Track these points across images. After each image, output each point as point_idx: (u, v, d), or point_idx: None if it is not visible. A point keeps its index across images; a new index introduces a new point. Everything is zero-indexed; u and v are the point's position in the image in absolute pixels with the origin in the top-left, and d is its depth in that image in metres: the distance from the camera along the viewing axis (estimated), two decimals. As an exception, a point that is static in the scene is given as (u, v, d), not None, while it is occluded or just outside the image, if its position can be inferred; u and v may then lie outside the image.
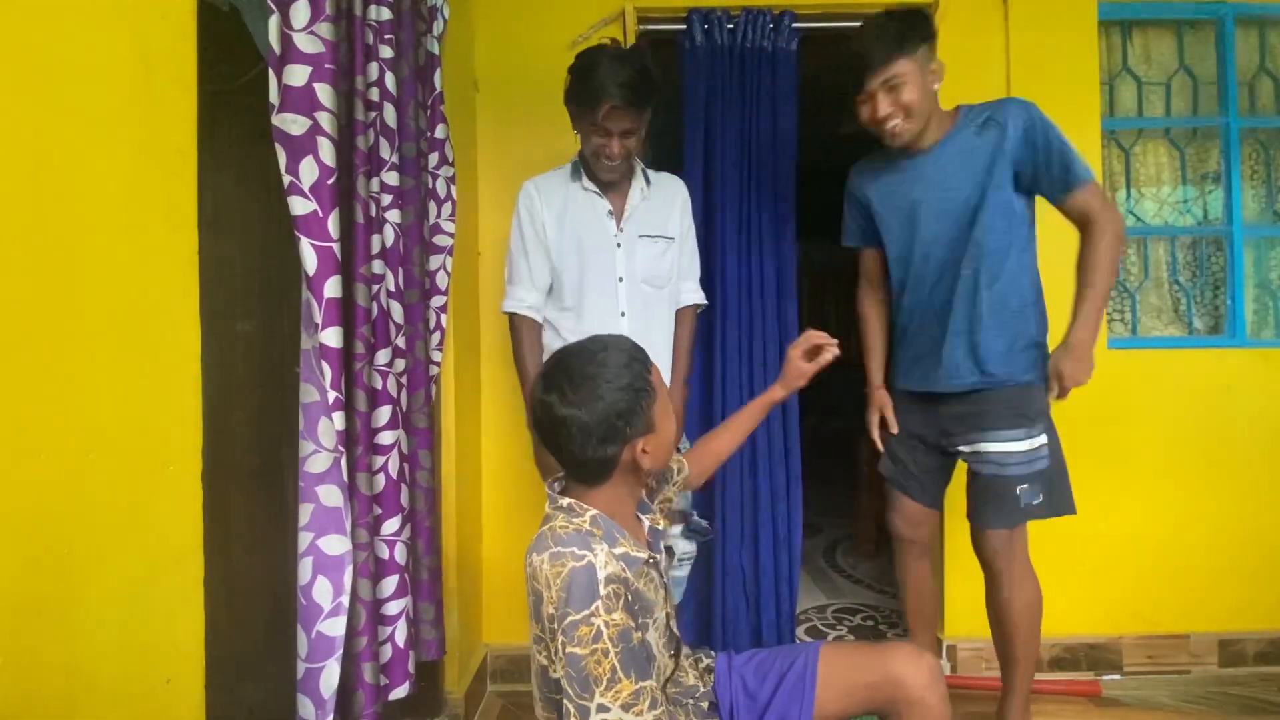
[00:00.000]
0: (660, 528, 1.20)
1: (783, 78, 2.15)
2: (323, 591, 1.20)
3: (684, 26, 2.17)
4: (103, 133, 0.81)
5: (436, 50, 1.77)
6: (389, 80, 1.46)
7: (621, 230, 1.68)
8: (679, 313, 1.78)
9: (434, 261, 1.79)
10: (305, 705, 1.19)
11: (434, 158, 1.79)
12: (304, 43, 1.13)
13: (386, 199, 1.47)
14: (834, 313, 5.92)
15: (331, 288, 1.17)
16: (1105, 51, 2.30)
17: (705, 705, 1.16)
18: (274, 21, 1.10)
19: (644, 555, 1.06)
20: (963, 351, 1.60)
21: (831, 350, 1.35)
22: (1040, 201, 1.66)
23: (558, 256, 1.68)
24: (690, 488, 1.40)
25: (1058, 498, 1.61)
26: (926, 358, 1.66)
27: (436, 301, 1.78)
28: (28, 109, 0.72)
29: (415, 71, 1.63)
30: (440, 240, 1.82)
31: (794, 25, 2.14)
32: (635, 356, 1.06)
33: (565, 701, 0.96)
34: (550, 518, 1.06)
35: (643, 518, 1.14)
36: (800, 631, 2.49)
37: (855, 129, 1.68)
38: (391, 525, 1.43)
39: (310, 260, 1.15)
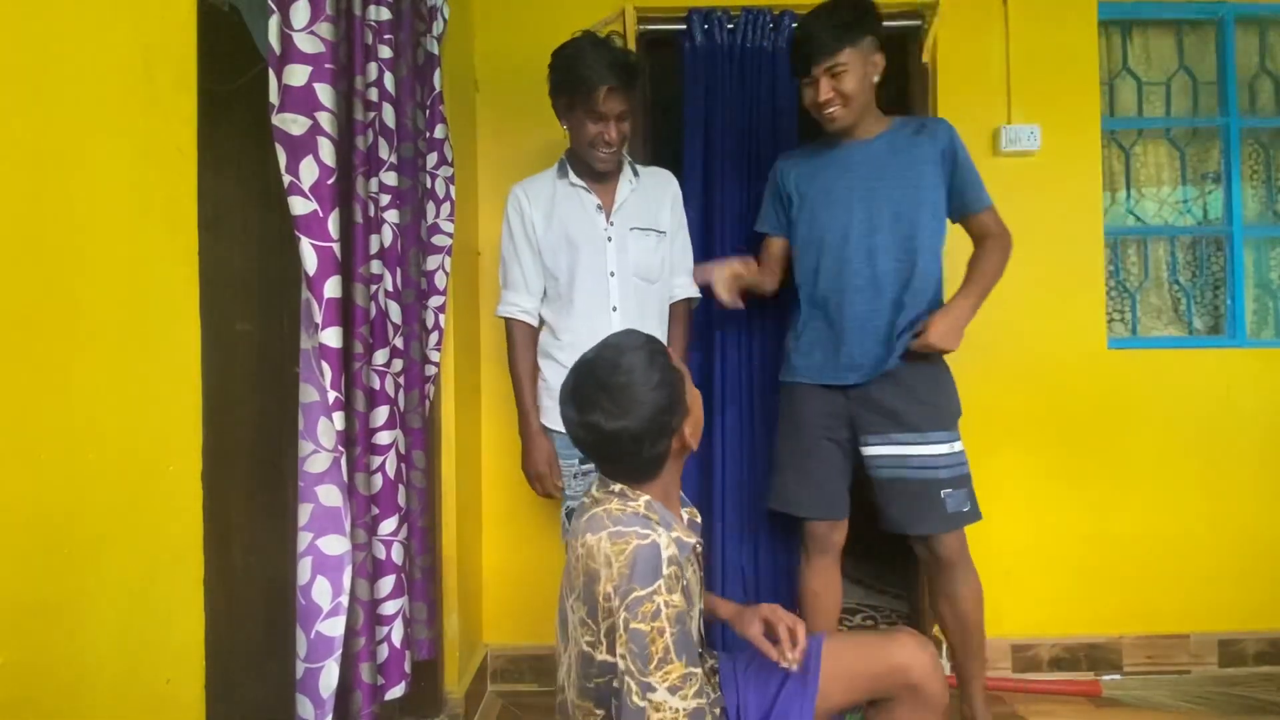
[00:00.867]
0: (699, 521, 1.23)
1: (783, 78, 2.15)
2: (322, 591, 1.20)
3: (684, 26, 2.17)
4: (103, 133, 0.81)
5: (436, 50, 1.77)
6: (388, 80, 1.46)
7: (611, 224, 1.67)
8: (673, 307, 1.78)
9: (432, 262, 1.79)
10: (304, 705, 1.19)
11: (433, 158, 1.79)
12: (304, 43, 1.13)
13: (385, 199, 1.47)
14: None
15: (331, 288, 1.17)
16: (1105, 51, 2.31)
17: (717, 711, 1.16)
18: (274, 21, 1.10)
19: (693, 540, 1.09)
20: (875, 340, 1.64)
21: (782, 658, 1.08)
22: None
23: (549, 254, 1.68)
24: None
25: (974, 503, 1.66)
26: (834, 346, 1.68)
27: (435, 302, 1.78)
28: (28, 109, 0.72)
29: (414, 71, 1.63)
30: (439, 240, 1.82)
31: (794, 25, 2.14)
32: (652, 348, 1.08)
33: (626, 679, 0.96)
34: (600, 501, 1.08)
35: (684, 510, 1.17)
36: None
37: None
38: (389, 525, 1.43)
39: (310, 260, 1.15)
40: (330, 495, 1.21)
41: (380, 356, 1.42)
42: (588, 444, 1.07)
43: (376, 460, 1.41)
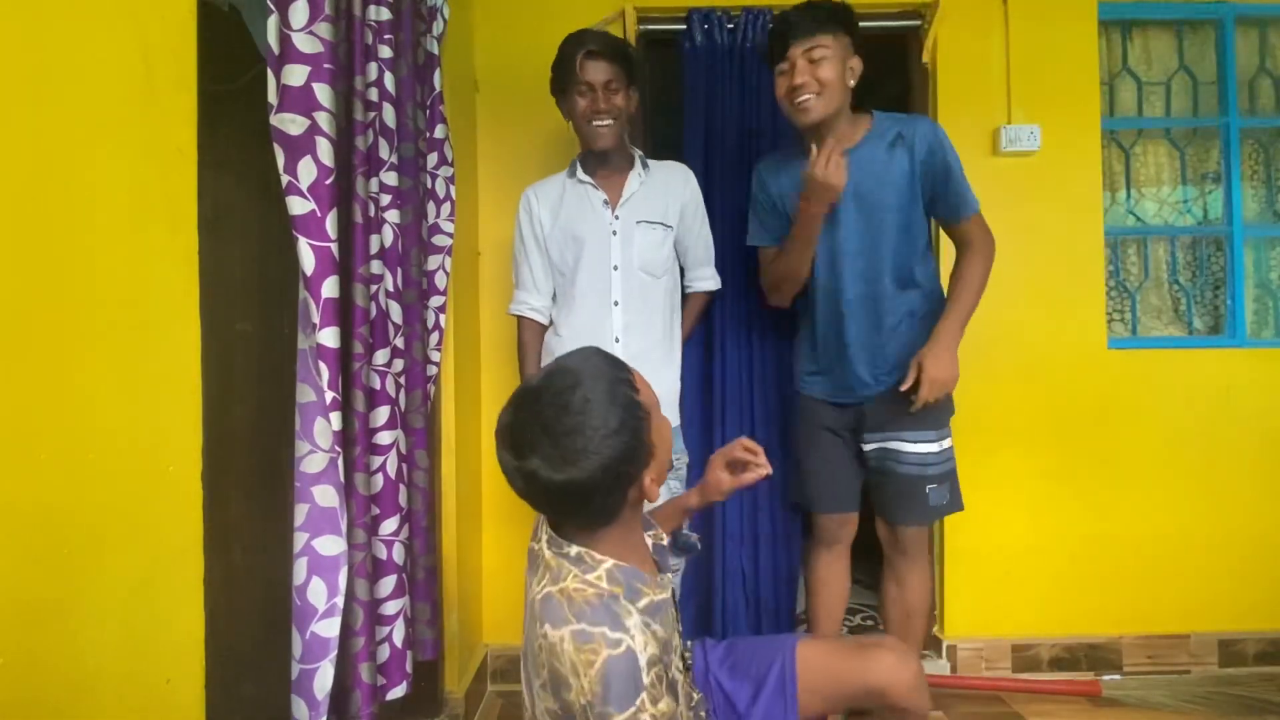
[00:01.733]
0: (664, 542, 1.16)
1: (782, 78, 2.15)
2: (317, 592, 1.19)
3: (684, 26, 2.17)
4: (103, 133, 0.81)
5: (436, 50, 1.77)
6: (388, 80, 1.46)
7: (617, 217, 1.68)
8: (692, 295, 1.83)
9: (433, 261, 1.79)
10: (299, 706, 1.18)
11: (433, 158, 1.80)
12: (303, 43, 1.13)
13: (385, 199, 1.47)
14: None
15: (329, 288, 1.16)
16: (1105, 51, 2.30)
17: (703, 714, 1.15)
18: (273, 21, 1.10)
19: (665, 595, 0.96)
20: (876, 360, 1.64)
21: (759, 470, 1.15)
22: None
23: (556, 250, 1.70)
24: None
25: (956, 496, 1.69)
26: (836, 368, 1.69)
27: (435, 302, 1.78)
28: (28, 109, 0.72)
29: (414, 71, 1.63)
30: (439, 240, 1.82)
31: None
32: (615, 376, 0.90)
33: None
34: (557, 572, 0.92)
35: (646, 537, 1.09)
36: (800, 632, 2.49)
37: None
38: (390, 525, 1.43)
39: (308, 260, 1.15)
40: (326, 496, 1.21)
41: (381, 356, 1.42)
42: (526, 495, 0.90)
43: (377, 460, 1.41)
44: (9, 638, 0.68)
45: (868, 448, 1.70)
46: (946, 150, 1.59)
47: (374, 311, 1.40)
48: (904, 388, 1.55)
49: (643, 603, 0.91)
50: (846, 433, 1.73)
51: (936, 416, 1.65)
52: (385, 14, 1.44)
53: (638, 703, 0.81)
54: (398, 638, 1.42)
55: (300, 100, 1.12)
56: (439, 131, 1.80)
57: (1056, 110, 2.19)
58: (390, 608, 1.42)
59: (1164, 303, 2.35)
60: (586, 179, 1.70)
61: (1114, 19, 2.29)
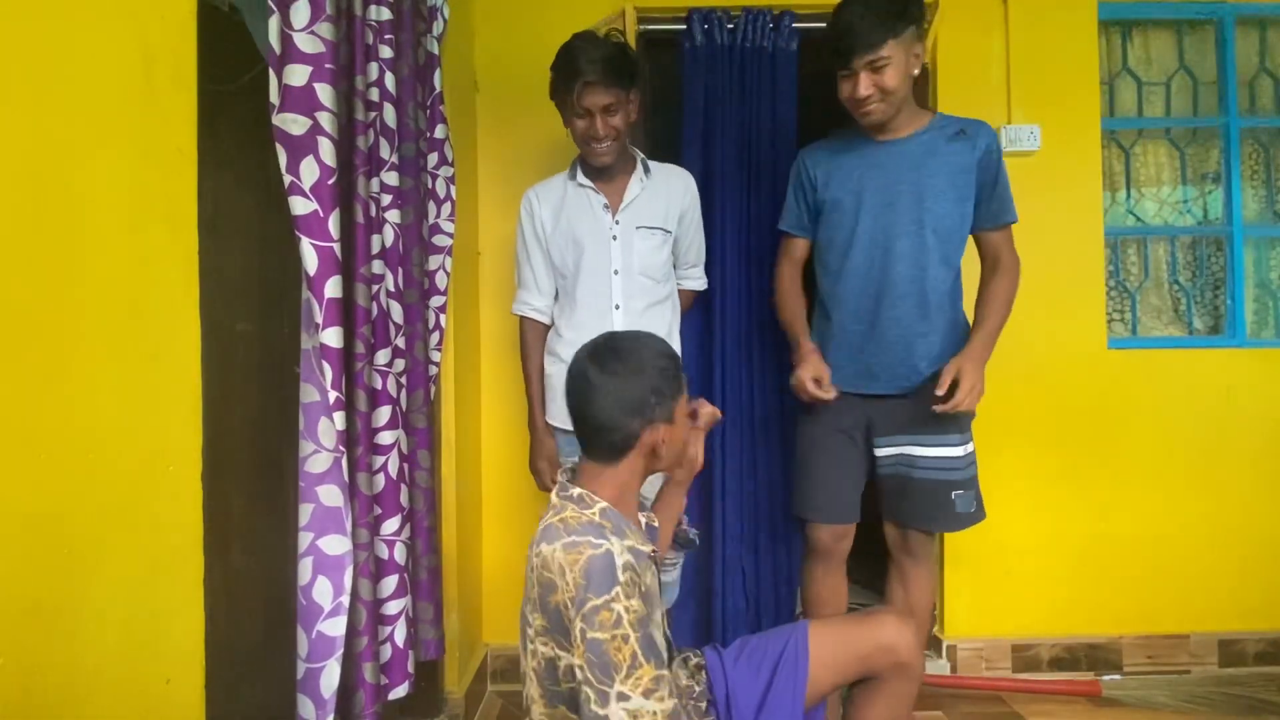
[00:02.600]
0: (655, 525, 1.22)
1: (783, 78, 2.15)
2: (323, 591, 1.20)
3: (684, 26, 2.16)
4: (103, 133, 0.81)
5: (436, 50, 1.77)
6: (389, 80, 1.46)
7: (618, 222, 1.68)
8: (680, 293, 1.83)
9: (433, 261, 1.79)
10: (305, 705, 1.19)
11: (434, 158, 1.80)
12: (304, 43, 1.13)
13: (386, 199, 1.47)
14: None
15: (332, 288, 1.17)
16: (1105, 51, 2.31)
17: (703, 705, 1.16)
18: (274, 21, 1.10)
19: (648, 549, 1.07)
20: (900, 349, 1.59)
21: (705, 409, 1.27)
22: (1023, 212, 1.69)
23: (557, 252, 1.70)
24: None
25: (980, 504, 1.65)
26: (858, 354, 1.63)
27: (436, 301, 1.78)
28: (28, 108, 0.72)
29: (415, 71, 1.63)
30: (440, 240, 1.82)
31: (794, 25, 2.14)
32: (674, 356, 1.12)
33: (584, 688, 0.95)
34: (558, 508, 1.07)
35: (641, 515, 1.16)
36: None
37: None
38: (391, 525, 1.43)
39: (311, 260, 1.15)
40: (331, 495, 1.21)
41: (382, 356, 1.42)
42: (573, 389, 1.10)
43: (379, 460, 1.41)
44: (9, 638, 0.68)
45: (881, 453, 1.64)
46: (999, 151, 1.60)
47: (375, 311, 1.40)
48: (940, 391, 1.50)
49: (627, 541, 1.02)
50: (858, 434, 1.66)
51: (961, 420, 1.60)
52: (386, 14, 1.44)
53: (613, 592, 0.95)
54: (400, 638, 1.42)
55: (302, 100, 1.12)
56: (439, 131, 1.80)
57: (1056, 110, 2.19)
58: (392, 607, 1.42)
59: (1164, 303, 2.35)
60: (587, 183, 1.69)
61: (1114, 19, 2.29)
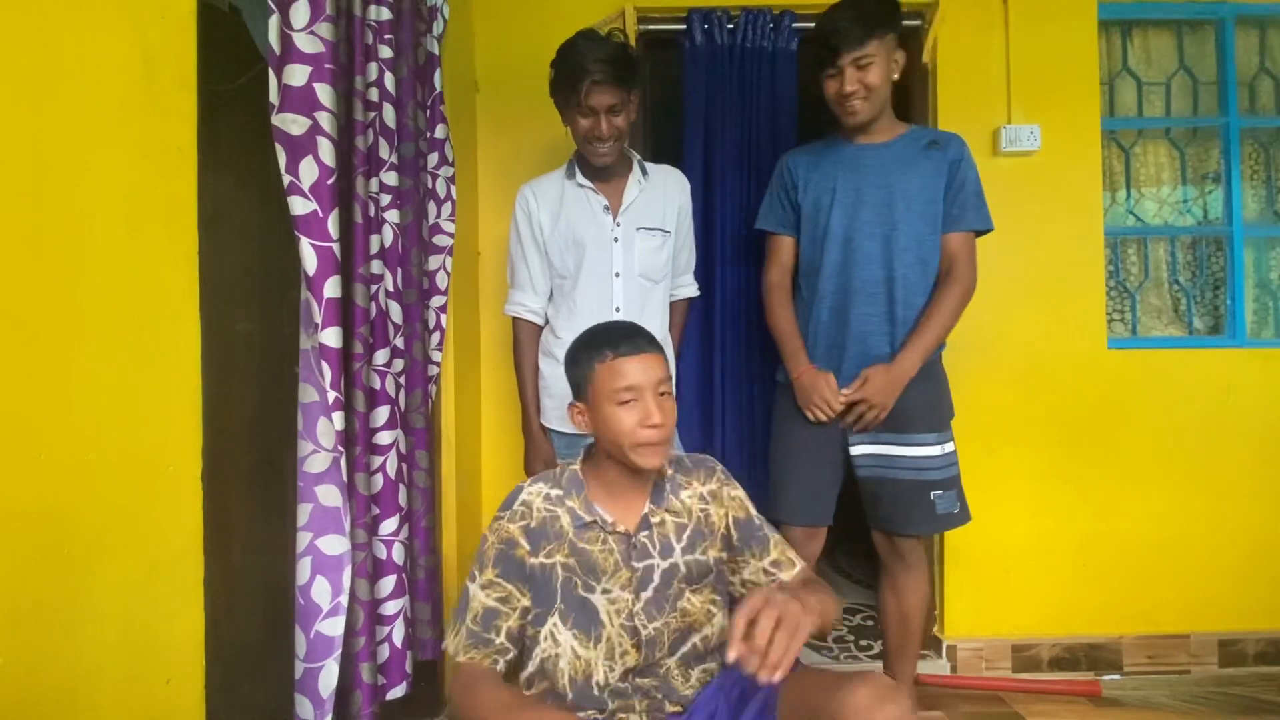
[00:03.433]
0: (654, 521, 1.14)
1: (783, 78, 2.15)
2: (321, 591, 1.20)
3: (684, 26, 2.16)
4: (103, 132, 0.82)
5: (436, 50, 1.77)
6: (388, 80, 1.46)
7: (618, 224, 1.68)
8: (674, 304, 1.79)
9: (433, 261, 1.79)
10: (304, 705, 1.19)
11: (433, 158, 1.79)
12: (304, 43, 1.13)
13: (385, 199, 1.47)
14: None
15: (331, 288, 1.17)
16: (1105, 51, 2.30)
17: (677, 709, 1.12)
18: (274, 21, 1.10)
19: (591, 520, 1.12)
20: (876, 344, 1.62)
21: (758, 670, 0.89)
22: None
23: (556, 254, 1.68)
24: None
25: (964, 506, 1.65)
26: (838, 348, 1.65)
27: (436, 302, 1.78)
28: (28, 108, 0.72)
29: (415, 71, 1.63)
30: (440, 240, 1.82)
31: (794, 25, 2.15)
32: (581, 343, 1.18)
33: None
34: None
35: (655, 507, 1.15)
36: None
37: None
38: (390, 525, 1.43)
39: (310, 260, 1.15)
40: (330, 495, 1.21)
41: (381, 356, 1.42)
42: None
43: (377, 460, 1.41)
44: (9, 638, 0.68)
45: (856, 451, 1.64)
46: (971, 164, 1.64)
47: (374, 311, 1.40)
48: (848, 391, 1.57)
49: (558, 494, 1.14)
50: (835, 432, 1.65)
51: (936, 416, 1.62)
52: (386, 14, 1.45)
53: (504, 513, 1.14)
54: (398, 638, 1.42)
55: (302, 100, 1.12)
56: (439, 131, 1.80)
57: (1056, 110, 2.19)
58: (390, 608, 1.42)
59: (1164, 303, 2.35)
60: (587, 183, 1.69)
61: (1114, 19, 2.29)
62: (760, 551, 1.20)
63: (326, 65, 1.15)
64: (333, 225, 1.16)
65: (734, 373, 2.16)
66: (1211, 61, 2.32)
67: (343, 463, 1.21)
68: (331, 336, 1.17)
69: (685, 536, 1.16)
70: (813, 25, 2.14)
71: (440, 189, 1.82)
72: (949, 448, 1.64)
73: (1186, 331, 2.32)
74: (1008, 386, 2.18)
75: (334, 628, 1.19)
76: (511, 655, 1.12)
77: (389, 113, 1.47)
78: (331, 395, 1.17)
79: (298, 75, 1.12)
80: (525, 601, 1.12)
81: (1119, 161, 2.34)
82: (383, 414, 1.42)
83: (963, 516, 1.64)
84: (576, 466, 1.17)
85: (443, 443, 1.90)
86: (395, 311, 1.49)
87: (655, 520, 1.16)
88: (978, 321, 2.19)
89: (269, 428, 1.39)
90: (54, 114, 0.75)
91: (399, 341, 1.51)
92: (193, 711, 0.93)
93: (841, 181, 1.66)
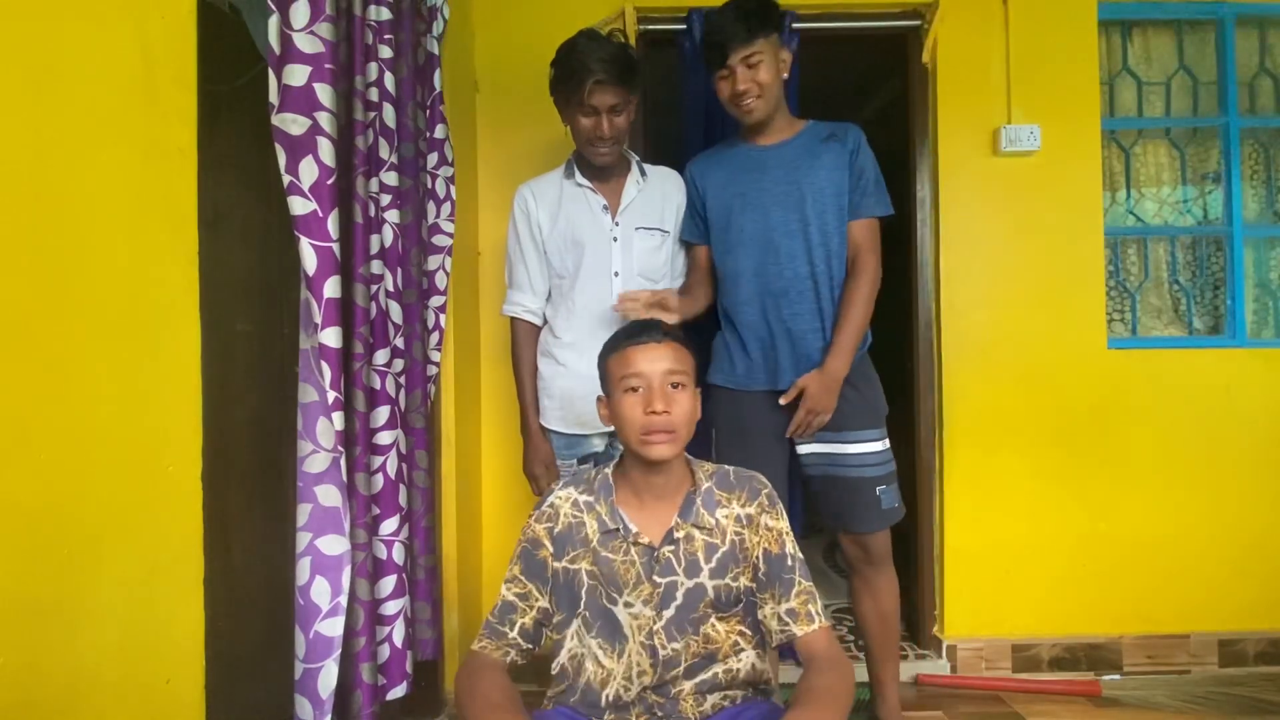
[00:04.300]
0: (679, 535, 1.10)
1: (782, 78, 2.15)
2: (321, 591, 1.20)
3: (684, 26, 2.17)
4: (103, 132, 0.82)
5: (436, 50, 1.77)
6: (388, 80, 1.46)
7: (617, 224, 1.68)
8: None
9: (433, 261, 1.79)
10: (303, 706, 1.19)
11: (433, 158, 1.79)
12: (304, 43, 1.13)
13: (385, 199, 1.47)
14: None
15: (331, 288, 1.17)
16: (1105, 51, 2.30)
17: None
18: (274, 21, 1.10)
19: (615, 527, 1.10)
20: (806, 347, 1.62)
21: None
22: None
23: (555, 254, 1.68)
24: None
25: (901, 500, 1.67)
26: (769, 351, 1.65)
27: (435, 302, 1.78)
28: (29, 108, 0.72)
29: (415, 71, 1.63)
30: (439, 240, 1.82)
31: (794, 25, 2.14)
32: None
33: None
34: None
35: (681, 521, 1.09)
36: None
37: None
38: (390, 525, 1.43)
39: (310, 260, 1.15)
40: (329, 495, 1.21)
41: (381, 356, 1.42)
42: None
43: (377, 460, 1.41)
44: (9, 637, 0.68)
45: (803, 451, 1.65)
46: (869, 152, 1.67)
47: (374, 311, 1.40)
48: (783, 400, 1.59)
49: (586, 500, 1.13)
50: (779, 430, 1.63)
51: (873, 413, 1.64)
52: (385, 14, 1.45)
53: (533, 514, 1.15)
54: (398, 638, 1.42)
55: (302, 100, 1.12)
56: (439, 131, 1.80)
57: (1056, 110, 2.19)
58: (390, 608, 1.42)
59: (1164, 303, 2.35)
60: (586, 183, 1.69)
61: (1114, 19, 2.29)
62: (781, 596, 1.09)
63: (326, 65, 1.15)
64: (332, 225, 1.16)
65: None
66: (1211, 61, 2.32)
67: (342, 463, 1.21)
68: (331, 336, 1.17)
69: (716, 559, 1.10)
70: (813, 26, 2.17)
71: (440, 189, 1.82)
72: (886, 444, 1.66)
73: (1186, 331, 2.32)
74: (1007, 386, 2.18)
75: (334, 628, 1.19)
76: (523, 650, 1.12)
77: (389, 113, 1.47)
78: (331, 395, 1.17)
79: (297, 75, 1.12)
80: (543, 602, 1.12)
81: (1119, 161, 2.34)
82: (383, 414, 1.42)
83: (901, 510, 1.68)
84: (609, 469, 1.16)
85: (443, 443, 1.90)
86: (395, 311, 1.49)
87: (680, 535, 1.10)
88: (977, 321, 2.19)
89: (269, 428, 1.39)
90: (54, 114, 0.75)
91: (399, 341, 1.51)
92: (193, 711, 0.93)
93: (749, 185, 1.67)
